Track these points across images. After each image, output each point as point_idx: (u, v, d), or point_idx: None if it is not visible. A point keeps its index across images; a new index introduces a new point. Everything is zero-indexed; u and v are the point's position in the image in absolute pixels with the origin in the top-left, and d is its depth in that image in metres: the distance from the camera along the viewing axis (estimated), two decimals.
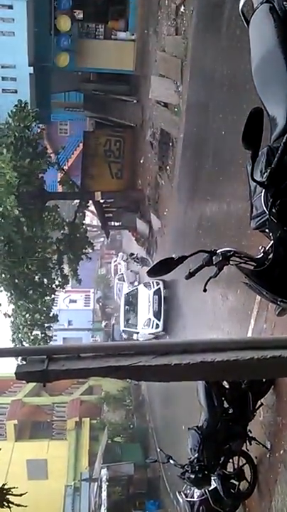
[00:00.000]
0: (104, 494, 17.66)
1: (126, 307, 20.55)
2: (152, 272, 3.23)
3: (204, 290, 3.20)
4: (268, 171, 2.83)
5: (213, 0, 10.95)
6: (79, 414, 25.97)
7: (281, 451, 6.39)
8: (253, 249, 3.48)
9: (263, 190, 2.90)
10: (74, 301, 42.94)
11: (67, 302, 41.66)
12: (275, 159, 2.81)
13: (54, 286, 18.41)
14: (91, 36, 18.18)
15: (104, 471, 18.74)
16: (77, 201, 21.55)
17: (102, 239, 39.73)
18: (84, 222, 20.86)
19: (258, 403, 6.96)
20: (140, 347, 3.71)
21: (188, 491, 7.95)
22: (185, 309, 14.47)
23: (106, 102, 19.94)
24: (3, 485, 7.40)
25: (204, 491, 7.51)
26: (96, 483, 19.82)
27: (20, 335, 18.16)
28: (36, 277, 17.70)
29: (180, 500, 8.05)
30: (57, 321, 19.90)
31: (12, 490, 7.40)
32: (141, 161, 19.05)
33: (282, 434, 6.39)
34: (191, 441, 7.17)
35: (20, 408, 26.50)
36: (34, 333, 18.47)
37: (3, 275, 16.54)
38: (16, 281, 16.74)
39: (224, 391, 6.94)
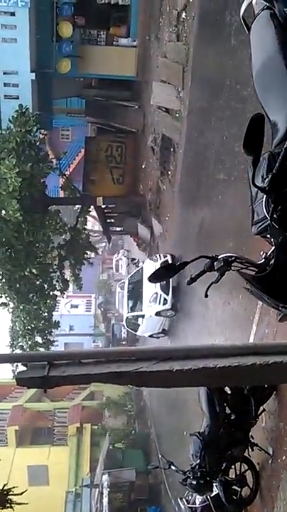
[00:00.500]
0: (105, 500, 17.58)
1: (130, 293, 18.71)
2: (153, 278, 3.23)
3: (206, 296, 3.20)
4: (270, 176, 2.84)
5: (214, 7, 11.01)
6: (80, 420, 25.87)
7: (284, 457, 6.36)
8: (254, 254, 3.48)
9: (265, 196, 2.90)
10: (76, 307, 42.90)
11: (69, 307, 41.62)
12: (277, 165, 2.81)
13: (55, 291, 18.42)
14: (93, 42, 18.27)
15: (105, 477, 18.65)
16: (78, 206, 21.61)
17: (104, 244, 39.74)
18: (85, 227, 20.90)
19: (261, 409, 6.94)
20: (141, 353, 3.70)
21: (190, 498, 7.93)
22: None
23: (108, 107, 20.01)
24: (4, 485, 7.40)
25: (206, 497, 7.48)
26: (97, 489, 19.72)
27: (20, 340, 18.16)
28: (37, 282, 17.71)
29: (182, 506, 8.01)
30: (59, 327, 19.89)
31: (13, 490, 7.41)
32: (143, 167, 19.10)
33: (284, 440, 6.36)
34: (193, 447, 7.14)
35: (21, 414, 26.41)
36: (35, 340, 18.47)
37: (4, 279, 16.55)
38: (18, 285, 16.75)
39: (226, 397, 6.92)
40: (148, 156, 18.15)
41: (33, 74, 16.80)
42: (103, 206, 21.00)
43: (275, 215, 2.85)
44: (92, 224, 32.82)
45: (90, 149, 19.48)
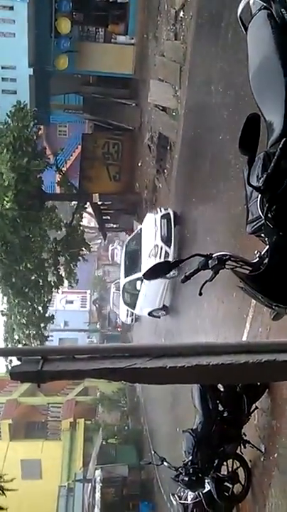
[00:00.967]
0: (97, 495, 17.66)
1: (127, 257, 16.92)
2: (148, 275, 3.26)
3: (200, 294, 3.23)
4: (265, 176, 2.86)
5: (212, 6, 11.03)
6: (73, 415, 25.97)
7: (275, 455, 6.41)
8: (248, 254, 3.51)
9: (259, 196, 2.93)
10: (71, 302, 42.89)
11: (64, 303, 41.62)
12: (272, 165, 2.84)
13: (50, 286, 18.42)
14: (91, 39, 18.26)
15: (98, 472, 18.73)
16: (74, 203, 21.59)
17: (99, 241, 39.76)
18: (81, 223, 20.89)
19: (253, 406, 6.99)
20: (135, 349, 3.74)
21: (182, 494, 7.98)
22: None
23: (106, 104, 20.00)
24: None
25: (198, 493, 7.54)
26: (90, 484, 19.81)
27: (14, 334, 18.16)
28: (32, 277, 17.71)
29: (174, 502, 8.07)
30: (53, 321, 19.89)
31: (3, 477, 7.48)
32: (139, 164, 19.11)
33: (276, 437, 6.42)
34: (185, 443, 7.20)
35: (15, 408, 26.48)
36: (29, 332, 18.46)
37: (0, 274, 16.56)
38: (13, 280, 16.75)
39: (219, 394, 6.97)
40: (144, 153, 18.16)
41: (31, 69, 16.79)
42: (99, 203, 21.00)
43: (269, 215, 2.88)
44: (88, 220, 32.84)
45: (87, 146, 19.48)
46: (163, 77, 14.90)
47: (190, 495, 7.78)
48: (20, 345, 17.44)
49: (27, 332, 18.38)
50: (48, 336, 20.50)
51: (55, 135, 25.21)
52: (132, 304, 16.75)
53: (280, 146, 2.86)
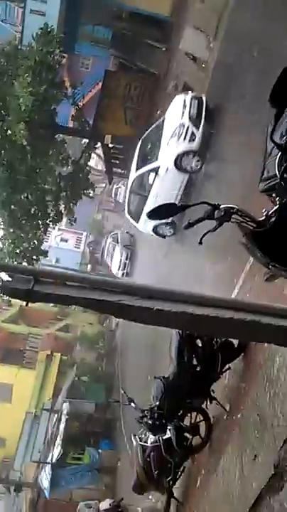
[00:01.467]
0: (61, 426, 18.33)
1: (141, 154, 14.36)
2: (153, 214, 3.23)
3: (200, 243, 3.22)
4: None
5: None
6: (51, 348, 26.58)
7: (239, 415, 6.64)
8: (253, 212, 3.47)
9: (279, 154, 2.87)
10: (66, 241, 42.86)
11: (59, 240, 41.64)
12: None
13: (48, 220, 18.35)
14: None
15: (65, 405, 19.37)
16: (85, 141, 21.15)
17: (104, 184, 39.33)
18: (88, 163, 20.56)
19: (226, 367, 7.17)
20: (126, 286, 3.77)
21: (143, 436, 8.29)
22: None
23: (135, 44, 19.24)
24: None
25: (158, 438, 7.84)
26: (56, 415, 20.54)
27: (6, 261, 18.23)
28: (32, 209, 17.60)
29: (134, 443, 8.40)
30: (47, 255, 19.96)
31: None
32: (158, 113, 18.61)
33: (243, 399, 6.62)
34: (155, 389, 7.41)
35: None
36: (20, 262, 18.52)
37: (1, 199, 16.42)
38: (13, 207, 16.63)
39: (196, 349, 7.12)
40: (165, 102, 17.63)
41: None
42: (110, 145, 20.58)
43: (286, 175, 2.84)
44: (96, 163, 32.37)
45: (108, 84, 18.82)
46: (199, 25, 14.29)
47: (151, 438, 8.08)
48: None
49: (18, 261, 18.44)
50: None
51: (77, 67, 24.33)
52: (136, 215, 14.65)
53: None
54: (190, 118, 11.84)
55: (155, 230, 14.39)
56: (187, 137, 11.84)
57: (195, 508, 7.75)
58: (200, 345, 7.12)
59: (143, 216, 13.96)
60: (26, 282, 3.40)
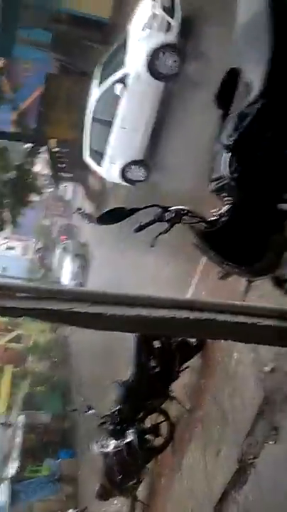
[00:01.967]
0: (17, 440, 17.91)
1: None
2: (101, 220, 3.19)
3: (152, 245, 3.21)
4: (236, 135, 2.84)
5: None
6: (2, 361, 25.86)
7: (200, 413, 6.71)
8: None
9: (228, 154, 2.91)
10: (12, 248, 41.95)
11: (4, 248, 40.64)
12: (245, 125, 2.82)
13: None
14: None
15: (20, 418, 18.94)
16: (29, 146, 20.75)
17: (51, 189, 38.76)
18: (33, 167, 20.20)
19: (184, 366, 7.24)
20: (77, 293, 3.70)
21: (104, 442, 8.21)
22: None
23: (76, 46, 19.06)
24: None
25: (120, 442, 7.79)
26: (11, 429, 20.02)
27: None
28: None
29: (95, 449, 8.31)
30: None
31: None
32: None
33: (203, 396, 6.70)
34: (115, 393, 7.37)
35: None
36: None
37: None
38: None
39: (154, 349, 7.14)
40: None
41: None
42: (56, 149, 20.31)
43: (235, 175, 2.88)
44: (42, 167, 31.89)
45: (50, 87, 18.53)
46: None
47: (112, 444, 8.02)
48: None
49: None
50: None
51: (17, 70, 23.80)
52: (99, 155, 12.11)
53: (257, 106, 2.84)
54: (163, 8, 9.89)
55: (123, 175, 12.03)
56: (163, 27, 9.81)
57: (161, 507, 7.77)
58: (158, 346, 7.14)
59: (108, 156, 11.68)
60: None
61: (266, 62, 2.89)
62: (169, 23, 9.83)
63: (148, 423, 7.77)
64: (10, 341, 28.45)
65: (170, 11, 10.00)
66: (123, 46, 10.78)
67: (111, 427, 7.32)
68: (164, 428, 7.73)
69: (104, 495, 8.27)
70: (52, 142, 18.55)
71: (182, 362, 7.13)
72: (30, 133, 18.81)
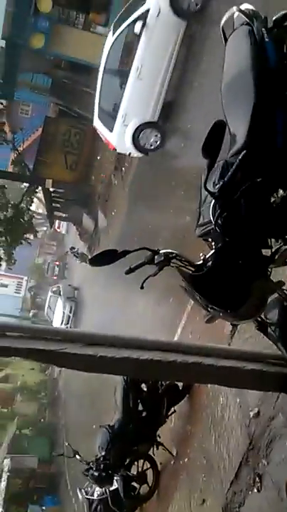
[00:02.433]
0: (2, 484, 17.30)
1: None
2: (93, 261, 3.25)
3: (141, 287, 3.26)
4: (221, 183, 2.95)
5: None
6: None
7: (186, 459, 6.56)
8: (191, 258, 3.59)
9: (213, 201, 3.01)
10: (5, 286, 41.86)
11: None
12: (229, 173, 2.93)
13: None
14: (71, 24, 17.95)
15: (6, 461, 18.35)
16: (26, 185, 21.11)
17: (45, 228, 39.07)
18: (30, 207, 20.47)
19: (172, 410, 7.13)
20: (68, 335, 3.73)
21: (89, 489, 7.98)
22: None
23: (74, 92, 19.72)
24: None
25: (105, 490, 7.57)
26: None
27: None
28: None
29: (80, 497, 8.06)
30: None
31: None
32: (98, 158, 18.99)
33: (189, 442, 6.57)
34: (100, 439, 7.22)
35: None
36: None
37: None
38: None
39: (142, 393, 7.05)
40: (105, 148, 18.03)
41: (3, 41, 16.28)
42: (51, 189, 20.67)
43: (219, 221, 2.97)
44: (37, 206, 32.30)
45: (48, 129, 19.10)
46: None
47: (97, 491, 7.80)
48: None
49: None
50: None
51: (17, 112, 24.52)
52: (110, 118, 10.89)
53: (240, 157, 2.96)
54: None
55: (136, 141, 10.70)
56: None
57: None
58: (145, 389, 7.05)
59: (120, 116, 10.46)
60: None
61: (249, 117, 3.04)
62: None
63: (134, 470, 7.56)
64: None
65: None
66: None
67: (96, 474, 7.11)
68: (150, 475, 7.53)
69: None
70: (48, 183, 18.90)
71: (169, 406, 7.03)
72: (27, 173, 19.18)
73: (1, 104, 17.82)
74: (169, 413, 7.10)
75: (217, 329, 5.56)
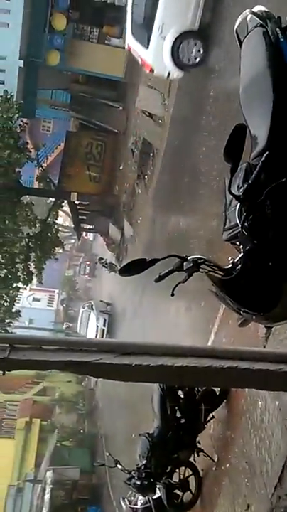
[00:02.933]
0: (47, 497, 17.44)
1: None
2: (123, 272, 3.29)
3: (172, 294, 3.28)
4: (245, 186, 2.95)
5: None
6: (30, 414, 25.59)
7: (227, 465, 6.49)
8: (221, 263, 3.59)
9: (238, 204, 3.02)
10: (38, 300, 42.45)
11: (31, 300, 41.14)
12: (253, 176, 2.93)
13: (19, 282, 18.22)
14: (85, 38, 18.27)
15: (49, 474, 18.50)
16: (51, 200, 21.46)
17: (73, 240, 39.57)
18: (56, 221, 20.77)
19: (210, 416, 7.07)
20: (102, 345, 3.76)
21: (132, 498, 7.97)
22: None
23: (93, 105, 20.01)
24: None
25: (148, 498, 7.54)
26: (40, 485, 19.54)
27: None
28: (2, 272, 17.48)
29: (124, 506, 8.06)
30: (20, 316, 19.66)
31: None
32: (121, 168, 19.16)
33: (230, 448, 6.50)
34: (141, 447, 7.20)
35: None
36: None
37: None
38: None
39: (179, 401, 7.02)
40: (127, 157, 18.22)
41: (21, 61, 16.68)
42: (76, 202, 20.94)
43: (246, 224, 2.97)
44: (64, 219, 32.76)
45: (70, 144, 19.43)
46: (152, 84, 15.01)
47: (140, 500, 7.78)
48: None
49: None
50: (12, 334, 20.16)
51: (38, 130, 25.01)
52: (145, 28, 9.62)
53: (263, 159, 2.96)
54: None
55: (174, 56, 9.45)
56: None
57: None
58: (182, 396, 7.02)
59: (157, 28, 9.17)
60: (2, 351, 3.35)
61: (269, 116, 3.04)
62: None
63: (176, 477, 7.52)
64: (36, 394, 28.29)
65: None
66: None
67: (138, 483, 7.10)
68: (192, 482, 7.47)
69: None
70: (74, 196, 19.18)
71: (207, 412, 6.97)
72: (52, 188, 19.52)
73: (23, 123, 18.20)
74: (207, 419, 7.04)
75: (251, 332, 5.51)
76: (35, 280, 20.37)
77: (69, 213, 24.28)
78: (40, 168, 19.73)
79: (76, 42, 18.14)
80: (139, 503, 7.78)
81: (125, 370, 3.49)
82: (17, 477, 23.16)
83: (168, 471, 7.30)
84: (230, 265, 3.14)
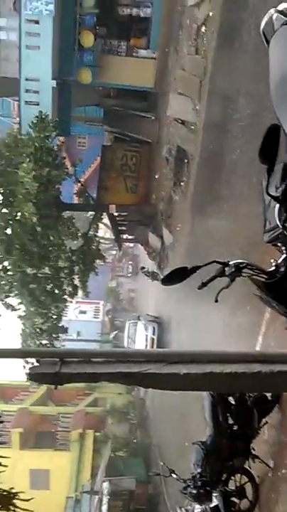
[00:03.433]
0: (104, 508, 17.53)
1: None
2: (166, 280, 3.31)
3: (216, 300, 3.27)
4: (283, 186, 2.92)
5: (234, 21, 11.18)
6: (83, 426, 25.85)
7: (283, 471, 6.36)
8: (263, 265, 3.54)
9: (277, 205, 2.98)
10: (84, 312, 42.99)
11: (77, 313, 41.74)
12: None
13: (65, 295, 18.55)
14: (114, 52, 18.53)
15: (105, 485, 18.60)
16: (91, 213, 21.80)
17: (114, 252, 39.99)
18: (97, 234, 21.06)
19: (263, 421, 6.94)
20: (150, 355, 3.78)
21: (189, 507, 7.90)
22: None
23: (125, 117, 20.26)
24: (11, 488, 7.39)
25: (205, 507, 7.45)
26: (97, 497, 19.67)
27: (29, 341, 18.27)
28: (48, 286, 17.85)
29: None
30: (66, 332, 19.98)
31: (19, 494, 7.42)
32: (156, 176, 19.26)
33: (285, 453, 6.35)
34: (195, 456, 7.15)
35: (26, 416, 26.43)
36: (41, 342, 18.61)
37: (19, 280, 16.69)
38: (31, 286, 16.88)
39: (230, 407, 6.93)
40: (162, 166, 18.30)
41: (54, 81, 17.09)
42: (115, 214, 21.18)
43: (286, 225, 2.93)
44: (104, 231, 33.21)
45: (106, 157, 19.73)
46: (182, 91, 15.06)
47: (197, 509, 7.69)
48: None
49: (39, 342, 18.53)
50: (60, 347, 20.53)
51: (74, 146, 25.56)
52: None
53: None
54: None
55: None
56: None
57: None
58: (233, 402, 6.93)
59: None
60: (53, 365, 3.43)
61: None
62: None
63: (231, 485, 7.40)
64: (88, 405, 28.56)
65: None
66: None
67: (194, 491, 7.04)
68: (249, 489, 7.33)
69: None
70: (112, 208, 19.42)
71: (260, 418, 6.84)
72: (91, 202, 19.85)
73: (60, 141, 18.64)
74: (261, 425, 6.92)
75: None
76: (80, 293, 20.69)
77: (109, 225, 24.57)
78: (79, 184, 20.12)
79: (105, 57, 18.44)
80: None
81: (174, 379, 3.50)
82: (74, 489, 23.38)
83: (223, 478, 7.21)
84: (273, 267, 3.10)
